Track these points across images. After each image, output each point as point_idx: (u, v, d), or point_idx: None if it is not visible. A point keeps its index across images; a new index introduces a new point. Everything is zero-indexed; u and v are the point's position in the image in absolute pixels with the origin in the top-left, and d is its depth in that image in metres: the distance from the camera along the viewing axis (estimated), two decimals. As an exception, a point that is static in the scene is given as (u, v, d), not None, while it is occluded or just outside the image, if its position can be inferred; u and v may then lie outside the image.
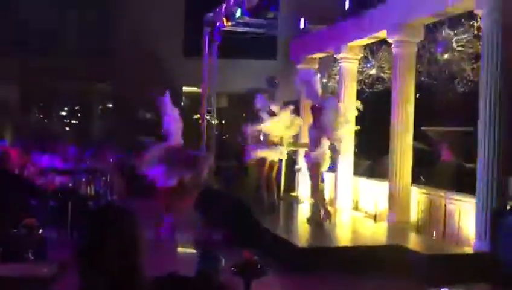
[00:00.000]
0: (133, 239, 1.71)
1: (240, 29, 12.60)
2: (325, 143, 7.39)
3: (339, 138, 7.41)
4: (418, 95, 8.32)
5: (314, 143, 7.43)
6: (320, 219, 7.45)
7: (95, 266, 1.64)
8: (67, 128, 17.16)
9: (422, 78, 8.22)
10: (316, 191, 7.60)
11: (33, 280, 2.69)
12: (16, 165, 6.02)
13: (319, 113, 7.36)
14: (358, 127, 7.88)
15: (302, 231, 7.17)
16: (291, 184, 10.76)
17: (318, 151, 7.32)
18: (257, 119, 8.88)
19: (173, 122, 8.00)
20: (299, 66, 11.13)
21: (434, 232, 7.21)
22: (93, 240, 1.67)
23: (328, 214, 7.53)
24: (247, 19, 11.78)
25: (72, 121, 18.13)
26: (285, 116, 8.73)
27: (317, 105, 7.48)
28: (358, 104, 7.74)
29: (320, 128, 7.32)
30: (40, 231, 3.15)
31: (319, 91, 7.64)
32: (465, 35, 7.17)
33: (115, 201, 9.26)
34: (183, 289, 1.74)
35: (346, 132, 7.66)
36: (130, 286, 1.62)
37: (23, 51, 14.58)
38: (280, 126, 8.70)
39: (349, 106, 9.09)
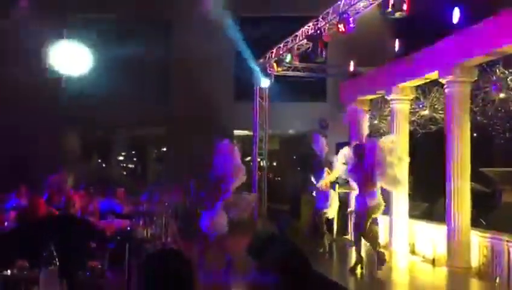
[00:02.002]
0: (190, 281, 1.78)
1: (290, 73, 12.84)
2: (378, 187, 7.11)
3: (391, 177, 7.03)
4: (475, 134, 8.14)
5: (361, 187, 7.20)
6: (375, 266, 7.14)
7: None
8: (124, 173, 17.78)
9: (478, 118, 8.04)
10: (366, 237, 7.27)
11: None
12: (79, 210, 6.31)
13: (362, 153, 7.19)
14: (408, 168, 7.41)
15: (356, 276, 7.00)
16: (344, 227, 10.61)
17: (373, 197, 7.00)
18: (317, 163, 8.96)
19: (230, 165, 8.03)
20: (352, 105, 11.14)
21: (497, 279, 6.87)
22: (153, 284, 1.75)
23: (382, 259, 7.17)
24: (296, 63, 12.01)
25: (129, 165, 18.80)
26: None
27: (359, 144, 7.36)
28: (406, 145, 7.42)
29: (364, 170, 7.07)
30: (103, 273, 3.30)
31: (365, 131, 7.55)
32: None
33: (168, 244, 9.42)
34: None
35: (400, 171, 7.07)
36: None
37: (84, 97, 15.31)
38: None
39: (402, 146, 9.00)
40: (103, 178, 13.68)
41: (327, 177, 9.07)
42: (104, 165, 17.57)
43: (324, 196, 9.01)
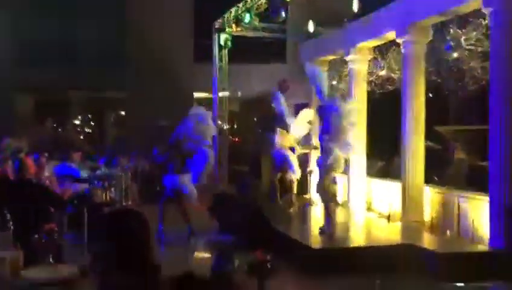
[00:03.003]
0: (148, 240, 1.79)
1: (249, 34, 12.69)
2: (336, 147, 7.25)
3: (347, 142, 7.17)
4: (430, 94, 8.33)
5: (323, 149, 7.30)
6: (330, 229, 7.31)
7: (114, 268, 1.71)
8: (81, 137, 17.41)
9: (433, 78, 8.22)
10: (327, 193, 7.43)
11: (55, 283, 2.81)
12: (33, 175, 6.15)
13: (324, 114, 7.27)
14: (366, 128, 7.62)
15: (315, 233, 7.20)
16: (303, 186, 10.80)
17: (329, 157, 7.12)
18: (275, 121, 8.96)
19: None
20: (310, 64, 11.18)
21: (448, 231, 7.21)
22: (111, 243, 1.75)
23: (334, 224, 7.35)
24: (256, 23, 11.87)
25: (86, 130, 18.40)
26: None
27: (322, 105, 7.42)
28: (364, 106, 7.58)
29: (327, 133, 7.17)
30: (60, 235, 3.26)
31: (325, 91, 7.60)
32: (474, 34, 7.17)
33: (129, 207, 9.39)
34: (199, 288, 1.81)
35: (354, 136, 7.28)
36: (148, 285, 1.69)
37: (37, 61, 14.84)
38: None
39: (360, 107, 9.15)
40: (59, 142, 13.36)
41: (284, 139, 9.11)
42: (59, 129, 17.13)
43: (282, 156, 9.08)
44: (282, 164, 9.09)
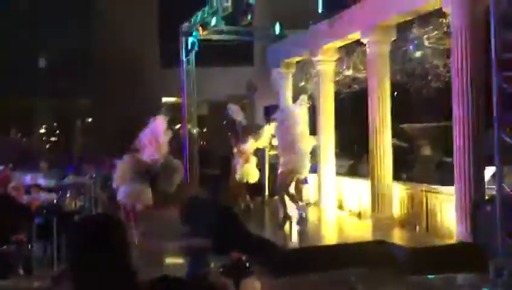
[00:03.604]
0: (124, 243, 1.76)
1: (216, 37, 12.68)
2: (297, 151, 7.52)
3: (302, 151, 7.48)
4: (395, 93, 8.50)
5: (283, 153, 7.62)
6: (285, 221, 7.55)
7: (89, 275, 1.69)
8: (47, 145, 17.02)
9: (398, 77, 8.40)
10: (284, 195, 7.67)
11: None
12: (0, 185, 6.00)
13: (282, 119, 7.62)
14: (334, 128, 7.92)
15: (287, 233, 7.25)
16: (274, 188, 10.85)
17: (290, 161, 7.41)
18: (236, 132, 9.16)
19: (149, 134, 7.99)
20: (275, 70, 11.29)
21: (417, 227, 7.37)
22: (85, 249, 1.72)
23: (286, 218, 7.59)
24: (222, 27, 11.87)
25: (51, 138, 18.00)
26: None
27: (281, 110, 7.75)
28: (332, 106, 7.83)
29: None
30: (29, 246, 3.18)
31: (289, 95, 7.87)
32: (436, 33, 7.37)
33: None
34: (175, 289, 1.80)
35: (307, 146, 7.70)
36: (125, 288, 1.68)
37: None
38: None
39: (328, 107, 9.32)
40: (24, 152, 13.03)
41: (253, 144, 9.32)
42: (24, 139, 16.70)
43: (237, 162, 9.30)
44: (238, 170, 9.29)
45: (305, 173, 7.80)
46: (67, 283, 1.78)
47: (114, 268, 1.69)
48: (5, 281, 2.91)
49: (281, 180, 7.68)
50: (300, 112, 7.72)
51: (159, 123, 8.04)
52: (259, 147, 9.51)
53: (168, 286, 1.78)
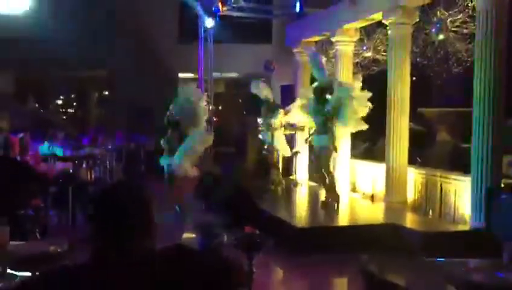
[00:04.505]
0: (150, 213, 1.77)
1: (235, 14, 12.57)
2: (336, 130, 7.42)
3: (359, 124, 7.41)
4: (414, 77, 8.39)
5: (323, 129, 7.44)
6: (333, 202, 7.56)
7: (111, 242, 1.70)
8: (64, 117, 17.19)
9: (418, 60, 8.27)
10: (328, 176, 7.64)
11: (42, 257, 2.79)
12: (18, 153, 6.09)
13: (325, 94, 7.42)
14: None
15: (300, 213, 7.27)
16: (289, 167, 10.86)
17: (330, 137, 7.32)
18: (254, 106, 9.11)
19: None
20: (295, 50, 11.18)
21: (430, 211, 7.33)
22: (113, 216, 1.72)
23: (337, 198, 7.61)
24: (242, 3, 11.76)
25: (69, 110, 18.17)
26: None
27: (324, 84, 7.53)
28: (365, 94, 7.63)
29: (329, 114, 7.31)
30: (46, 212, 3.24)
31: (326, 72, 7.72)
32: (460, 16, 7.22)
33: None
34: (189, 260, 1.81)
35: (356, 124, 7.55)
36: (142, 257, 1.69)
37: (16, 39, 14.50)
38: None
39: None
40: (42, 122, 13.18)
41: (281, 118, 9.28)
42: (41, 109, 16.88)
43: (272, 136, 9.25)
44: (268, 144, 9.20)
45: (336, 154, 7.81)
46: (85, 248, 1.80)
47: (139, 237, 1.70)
48: (21, 245, 2.98)
49: (320, 158, 7.56)
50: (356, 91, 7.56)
51: None
52: (290, 122, 9.40)
53: (181, 255, 1.79)
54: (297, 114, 8.88)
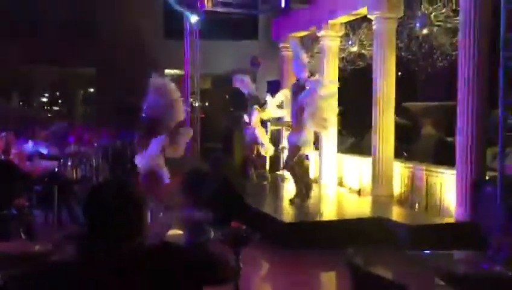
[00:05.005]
0: (140, 211, 1.76)
1: (220, 10, 12.52)
2: (311, 127, 7.34)
3: (324, 125, 7.26)
4: (399, 72, 8.44)
5: (298, 125, 7.36)
6: (303, 196, 7.51)
7: (99, 240, 1.69)
8: (49, 115, 17.01)
9: (403, 54, 8.32)
10: (292, 168, 7.59)
11: (27, 257, 2.76)
12: (1, 152, 6.01)
13: (298, 90, 7.35)
14: (337, 105, 7.63)
15: (287, 208, 7.29)
16: (276, 163, 10.87)
17: (302, 135, 7.22)
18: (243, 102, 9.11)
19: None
20: (281, 45, 11.19)
21: (416, 205, 7.40)
22: (109, 212, 1.71)
23: (308, 190, 7.56)
24: (228, -1, 11.71)
25: (54, 107, 17.98)
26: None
27: (301, 82, 7.47)
28: (336, 83, 7.64)
29: (302, 112, 7.20)
30: (30, 212, 3.21)
31: (305, 67, 7.64)
32: (444, 10, 7.27)
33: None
34: (176, 257, 1.81)
35: (332, 120, 7.42)
36: (129, 253, 1.69)
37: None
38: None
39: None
40: (26, 120, 13.03)
41: (259, 115, 9.27)
42: (25, 107, 16.68)
43: (254, 134, 9.27)
44: (253, 140, 9.21)
45: (308, 149, 7.70)
46: (70, 248, 1.78)
47: (123, 236, 1.69)
48: (6, 245, 2.95)
49: (291, 155, 7.52)
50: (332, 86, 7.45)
51: None
52: (263, 119, 9.48)
53: (168, 253, 1.79)
54: (274, 110, 8.95)
